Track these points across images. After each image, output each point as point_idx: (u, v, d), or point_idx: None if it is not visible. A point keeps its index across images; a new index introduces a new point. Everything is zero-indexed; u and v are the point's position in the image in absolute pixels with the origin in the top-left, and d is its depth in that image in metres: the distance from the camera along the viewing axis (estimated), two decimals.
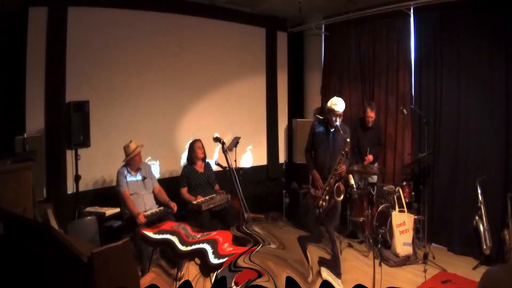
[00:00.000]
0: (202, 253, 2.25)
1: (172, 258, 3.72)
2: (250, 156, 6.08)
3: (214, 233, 2.54)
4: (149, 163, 4.85)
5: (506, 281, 1.26)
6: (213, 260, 2.19)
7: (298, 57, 6.40)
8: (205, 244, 2.34)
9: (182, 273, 3.17)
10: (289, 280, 1.59)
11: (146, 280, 3.60)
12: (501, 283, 1.27)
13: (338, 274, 3.63)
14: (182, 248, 2.39)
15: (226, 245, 2.33)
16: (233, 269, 2.11)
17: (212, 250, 2.27)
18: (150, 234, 2.72)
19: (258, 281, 2.04)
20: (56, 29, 4.22)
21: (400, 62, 5.13)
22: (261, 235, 2.34)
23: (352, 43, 5.71)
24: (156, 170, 5.06)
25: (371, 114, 4.84)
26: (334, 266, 3.63)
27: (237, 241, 2.41)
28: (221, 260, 2.16)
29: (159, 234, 2.67)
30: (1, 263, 1.76)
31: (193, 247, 2.36)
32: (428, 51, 4.80)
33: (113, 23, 4.66)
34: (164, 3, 5.07)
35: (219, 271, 2.12)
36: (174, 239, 2.49)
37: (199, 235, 2.52)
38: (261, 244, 2.34)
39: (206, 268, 2.21)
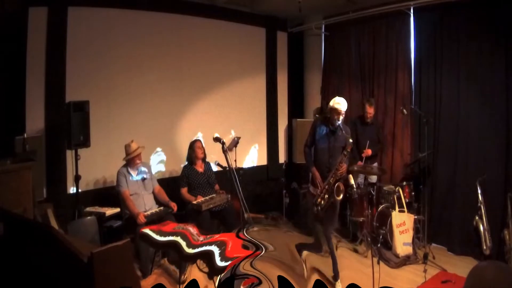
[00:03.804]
0: (209, 255, 2.21)
1: (177, 260, 3.71)
2: (255, 154, 6.10)
3: (218, 235, 2.53)
4: (157, 153, 4.94)
5: (494, 280, 1.25)
6: (220, 262, 2.15)
7: (298, 57, 6.40)
8: (213, 246, 2.30)
9: (185, 276, 3.17)
10: (281, 279, 1.58)
11: (148, 282, 3.59)
12: (489, 282, 1.26)
13: (336, 273, 3.63)
14: (188, 250, 2.35)
15: (233, 247, 2.29)
16: (235, 275, 2.09)
17: (219, 252, 2.23)
18: (153, 235, 2.67)
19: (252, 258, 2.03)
20: (56, 29, 4.22)
21: (400, 62, 5.13)
22: (258, 240, 2.30)
23: (352, 43, 5.71)
24: (160, 160, 5.13)
25: (369, 110, 4.86)
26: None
27: (244, 245, 2.38)
28: (227, 263, 2.14)
29: (164, 235, 2.62)
30: (1, 263, 1.77)
31: (200, 249, 2.32)
32: (428, 51, 4.80)
33: (113, 23, 4.66)
34: (164, 3, 5.06)
35: (222, 274, 2.11)
36: (181, 241, 2.44)
37: (202, 238, 2.50)
38: (264, 250, 2.31)
39: (212, 271, 2.18)
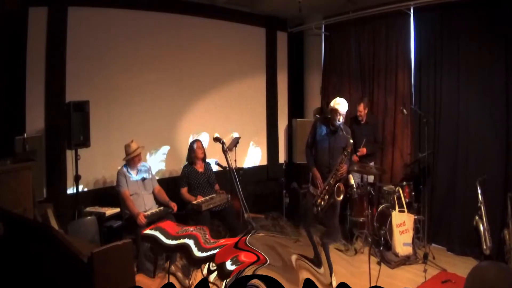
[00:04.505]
0: (185, 248, 2.29)
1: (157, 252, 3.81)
2: (255, 154, 6.10)
3: (191, 228, 2.58)
4: (157, 153, 4.99)
5: (494, 280, 1.26)
6: (198, 253, 2.23)
7: (298, 57, 6.40)
8: (186, 239, 2.38)
9: (191, 281, 3.20)
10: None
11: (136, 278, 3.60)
12: (489, 282, 1.26)
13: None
14: (167, 241, 2.44)
15: (205, 238, 2.37)
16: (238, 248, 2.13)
17: (194, 244, 2.31)
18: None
19: (256, 266, 2.05)
20: (56, 29, 4.22)
21: (400, 62, 5.13)
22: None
23: (352, 43, 5.71)
24: (160, 159, 5.15)
25: (360, 109, 4.90)
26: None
27: (213, 233, 2.49)
28: (206, 254, 2.19)
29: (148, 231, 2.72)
30: (1, 264, 1.76)
31: (177, 241, 2.40)
32: (428, 51, 4.80)
33: (113, 23, 4.66)
34: (164, 3, 5.07)
35: (206, 264, 2.16)
36: (159, 235, 2.53)
37: (180, 229, 2.57)
38: (251, 233, 2.35)
39: (191, 262, 2.26)
